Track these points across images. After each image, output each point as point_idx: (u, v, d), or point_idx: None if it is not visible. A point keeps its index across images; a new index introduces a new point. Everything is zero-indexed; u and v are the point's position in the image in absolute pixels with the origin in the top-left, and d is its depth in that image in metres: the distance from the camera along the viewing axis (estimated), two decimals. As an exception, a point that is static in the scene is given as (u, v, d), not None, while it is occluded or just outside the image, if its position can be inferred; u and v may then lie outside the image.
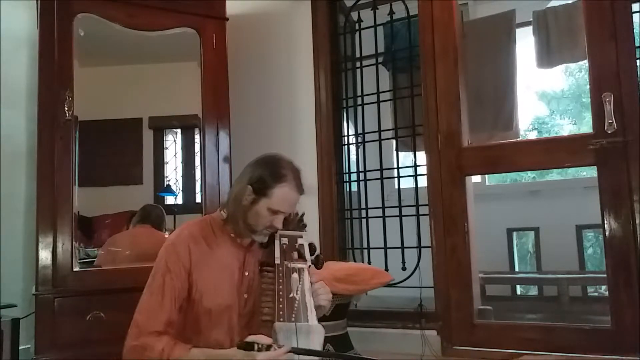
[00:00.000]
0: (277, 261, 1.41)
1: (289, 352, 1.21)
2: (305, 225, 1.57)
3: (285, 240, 1.48)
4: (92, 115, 2.65)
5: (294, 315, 1.30)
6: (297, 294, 1.35)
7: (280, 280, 1.37)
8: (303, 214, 1.58)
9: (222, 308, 1.46)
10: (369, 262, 3.11)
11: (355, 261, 3.16)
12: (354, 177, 3.28)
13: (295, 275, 1.39)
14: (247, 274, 1.52)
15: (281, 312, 1.30)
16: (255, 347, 1.18)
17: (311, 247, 1.50)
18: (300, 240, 1.50)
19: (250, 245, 1.54)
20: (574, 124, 6.39)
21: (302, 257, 1.45)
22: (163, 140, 3.14)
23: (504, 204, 4.52)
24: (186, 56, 2.90)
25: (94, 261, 2.53)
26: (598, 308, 3.23)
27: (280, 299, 1.32)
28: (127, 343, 1.37)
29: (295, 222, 1.56)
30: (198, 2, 2.71)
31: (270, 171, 1.46)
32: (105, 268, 2.47)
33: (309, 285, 1.39)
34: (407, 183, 3.20)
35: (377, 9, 3.24)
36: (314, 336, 1.28)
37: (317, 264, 1.48)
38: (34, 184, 2.30)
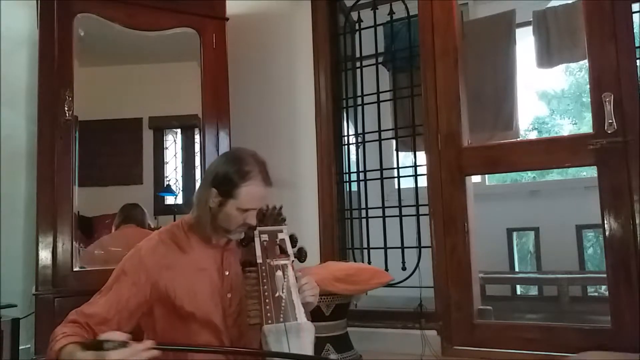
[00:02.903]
0: (259, 260, 1.35)
1: (153, 348, 1.12)
2: (284, 219, 1.50)
3: (265, 237, 1.41)
4: (92, 115, 2.65)
5: (282, 315, 1.26)
6: (283, 292, 1.30)
7: (265, 280, 1.31)
8: (281, 207, 1.51)
9: (205, 311, 1.42)
10: (369, 262, 3.11)
11: (355, 261, 3.16)
12: (354, 177, 3.28)
13: (279, 273, 1.33)
14: (227, 273, 1.48)
15: (269, 314, 1.25)
16: (106, 345, 1.07)
17: (292, 238, 1.45)
18: (280, 235, 1.43)
19: (227, 244, 1.50)
20: (574, 124, 6.39)
21: (284, 252, 1.40)
22: (163, 140, 3.14)
23: (504, 204, 4.52)
24: (186, 56, 2.91)
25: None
26: (598, 308, 3.23)
27: (267, 300, 1.27)
28: None
29: (274, 216, 1.49)
30: (198, 2, 2.71)
31: (234, 169, 1.39)
32: (106, 268, 2.46)
33: (294, 282, 1.34)
34: (407, 183, 3.20)
35: (377, 9, 3.23)
36: (304, 334, 1.24)
37: (300, 257, 1.42)
38: (34, 184, 2.30)
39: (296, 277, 1.36)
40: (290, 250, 1.41)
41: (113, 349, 1.07)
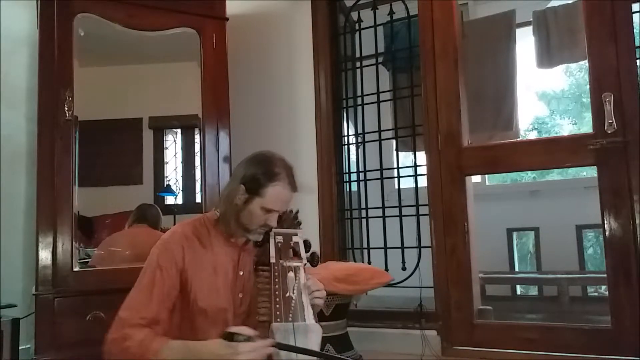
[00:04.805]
0: (273, 260, 1.39)
1: (273, 346, 1.19)
2: (300, 223, 1.55)
3: (280, 239, 1.45)
4: (92, 115, 2.65)
5: (291, 315, 1.29)
6: (293, 293, 1.34)
7: (276, 280, 1.34)
8: (297, 211, 1.56)
9: (217, 308, 1.45)
10: (369, 262, 3.11)
11: (355, 261, 3.16)
12: (354, 177, 3.28)
13: (291, 274, 1.37)
14: (241, 273, 1.51)
15: (278, 312, 1.28)
16: (237, 337, 1.16)
17: (306, 243, 1.48)
18: (295, 238, 1.48)
19: (245, 244, 1.53)
20: (574, 124, 6.39)
21: (297, 255, 1.44)
22: (163, 140, 3.14)
23: (504, 204, 4.52)
24: (186, 56, 2.91)
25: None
26: (598, 308, 3.23)
27: (277, 299, 1.30)
28: (108, 336, 1.34)
29: (290, 220, 1.53)
30: (198, 2, 2.71)
31: (263, 170, 1.44)
32: (105, 268, 2.47)
33: (305, 284, 1.38)
34: (407, 183, 3.20)
35: (377, 9, 3.24)
36: (312, 335, 1.27)
37: (313, 261, 1.47)
38: (34, 184, 2.30)
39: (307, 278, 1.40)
40: (303, 253, 1.45)
41: (244, 342, 1.16)
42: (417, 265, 2.93)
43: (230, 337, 1.17)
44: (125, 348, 1.29)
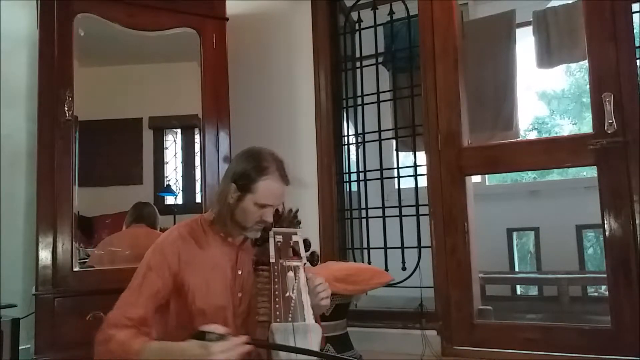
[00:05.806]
0: (272, 260, 1.38)
1: (249, 343, 1.19)
2: (299, 222, 1.54)
3: (279, 238, 1.45)
4: (92, 115, 2.65)
5: (290, 315, 1.28)
6: (293, 292, 1.33)
7: (276, 280, 1.34)
8: (297, 210, 1.55)
9: (215, 308, 1.44)
10: (369, 262, 3.11)
11: (355, 261, 3.16)
12: (354, 177, 3.28)
13: (290, 274, 1.36)
14: (240, 272, 1.51)
15: (277, 312, 1.27)
16: (209, 336, 1.14)
17: (306, 243, 1.48)
18: (294, 237, 1.47)
19: (242, 244, 1.53)
20: (574, 124, 6.39)
21: (297, 254, 1.43)
22: (163, 140, 3.14)
23: (504, 204, 4.52)
24: (186, 56, 2.91)
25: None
26: (598, 308, 3.23)
27: (277, 299, 1.30)
28: (96, 337, 1.34)
29: (290, 219, 1.53)
30: (198, 2, 2.71)
31: (252, 165, 1.44)
32: (105, 268, 2.46)
33: (304, 283, 1.37)
34: (407, 183, 3.20)
35: (377, 9, 3.24)
36: (312, 335, 1.26)
37: (313, 260, 1.46)
38: (34, 184, 2.30)
39: (307, 278, 1.39)
40: (303, 252, 1.44)
41: (216, 340, 1.14)
42: (417, 265, 2.93)
43: (201, 336, 1.15)
44: (109, 349, 1.30)
